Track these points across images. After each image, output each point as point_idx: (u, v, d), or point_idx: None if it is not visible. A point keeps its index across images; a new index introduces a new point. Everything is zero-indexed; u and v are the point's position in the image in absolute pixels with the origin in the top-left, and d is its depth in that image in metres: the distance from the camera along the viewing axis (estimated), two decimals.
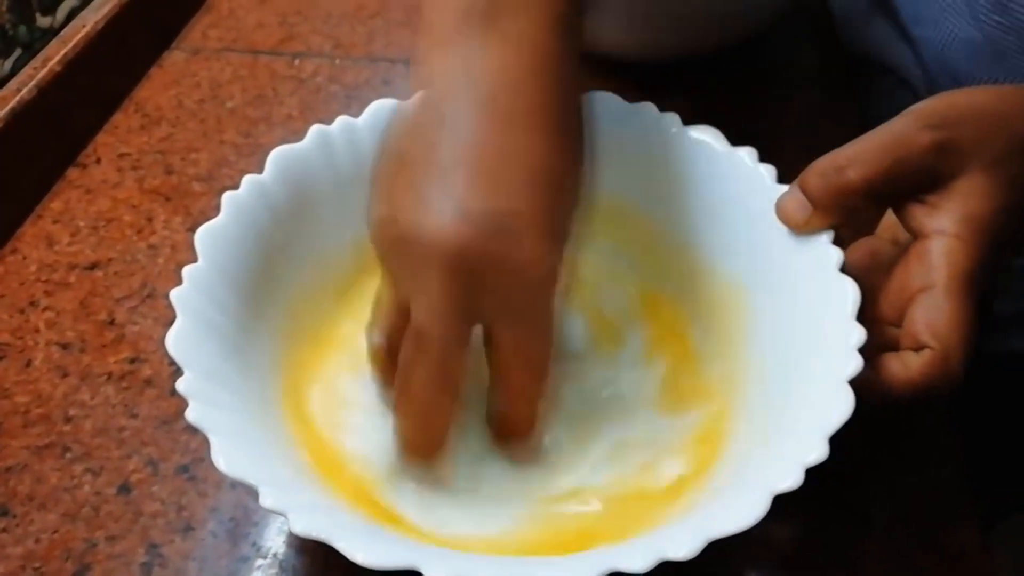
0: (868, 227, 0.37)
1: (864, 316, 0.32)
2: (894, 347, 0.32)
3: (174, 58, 0.62)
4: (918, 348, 0.31)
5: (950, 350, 0.31)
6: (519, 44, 0.31)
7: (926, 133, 0.32)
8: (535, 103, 0.31)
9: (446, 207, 0.29)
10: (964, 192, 0.32)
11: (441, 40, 0.32)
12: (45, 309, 0.45)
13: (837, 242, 0.34)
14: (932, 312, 0.31)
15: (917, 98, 0.35)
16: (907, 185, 0.33)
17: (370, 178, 0.32)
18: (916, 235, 0.33)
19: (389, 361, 0.33)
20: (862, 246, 0.36)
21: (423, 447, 0.33)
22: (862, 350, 0.30)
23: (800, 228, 0.34)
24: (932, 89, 0.48)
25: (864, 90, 0.57)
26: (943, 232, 0.32)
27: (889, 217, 0.35)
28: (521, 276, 0.30)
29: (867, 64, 0.56)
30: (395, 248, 0.31)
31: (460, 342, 0.31)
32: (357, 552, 0.26)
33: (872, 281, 0.34)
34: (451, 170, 0.30)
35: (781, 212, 0.35)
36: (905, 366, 0.31)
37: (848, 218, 0.34)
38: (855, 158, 0.33)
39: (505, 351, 0.32)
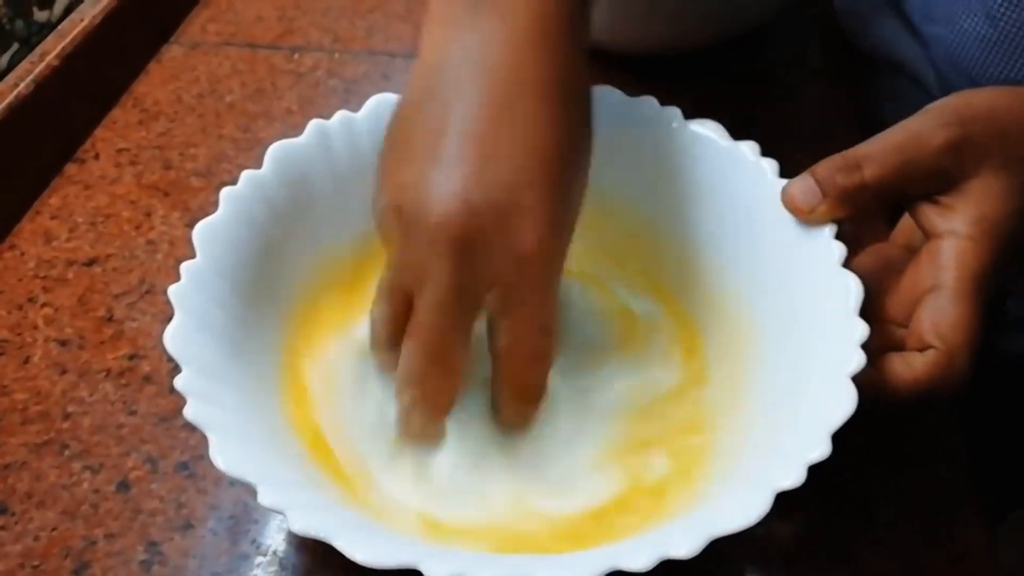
0: (876, 223, 0.36)
1: (873, 316, 0.31)
2: (900, 348, 0.32)
3: (172, 52, 0.61)
4: (923, 348, 0.31)
5: (955, 351, 0.31)
6: (519, 19, 0.31)
7: (941, 132, 0.32)
8: (536, 78, 0.31)
9: (448, 193, 0.29)
10: (978, 193, 0.32)
11: (441, 19, 0.32)
12: (43, 305, 0.44)
13: (840, 238, 0.34)
14: (939, 313, 0.31)
15: (928, 96, 0.34)
16: (921, 185, 0.33)
17: (375, 166, 0.32)
18: (928, 235, 0.33)
19: (392, 347, 0.33)
20: (875, 252, 0.36)
21: (423, 428, 0.33)
22: (866, 348, 0.30)
23: (805, 216, 0.34)
24: (943, 87, 0.47)
25: (872, 87, 0.56)
26: (955, 233, 0.32)
27: (904, 223, 0.35)
28: (524, 260, 0.30)
29: (875, 61, 0.56)
30: (398, 235, 0.31)
31: (462, 328, 0.31)
32: (356, 550, 0.26)
33: (883, 283, 0.33)
34: (453, 154, 0.30)
35: (787, 198, 0.34)
36: (909, 366, 0.31)
37: (856, 215, 0.33)
38: (870, 156, 0.32)
39: (507, 337, 0.32)
